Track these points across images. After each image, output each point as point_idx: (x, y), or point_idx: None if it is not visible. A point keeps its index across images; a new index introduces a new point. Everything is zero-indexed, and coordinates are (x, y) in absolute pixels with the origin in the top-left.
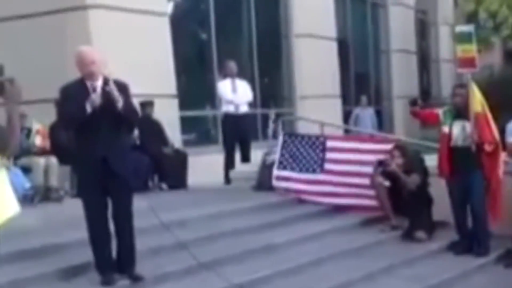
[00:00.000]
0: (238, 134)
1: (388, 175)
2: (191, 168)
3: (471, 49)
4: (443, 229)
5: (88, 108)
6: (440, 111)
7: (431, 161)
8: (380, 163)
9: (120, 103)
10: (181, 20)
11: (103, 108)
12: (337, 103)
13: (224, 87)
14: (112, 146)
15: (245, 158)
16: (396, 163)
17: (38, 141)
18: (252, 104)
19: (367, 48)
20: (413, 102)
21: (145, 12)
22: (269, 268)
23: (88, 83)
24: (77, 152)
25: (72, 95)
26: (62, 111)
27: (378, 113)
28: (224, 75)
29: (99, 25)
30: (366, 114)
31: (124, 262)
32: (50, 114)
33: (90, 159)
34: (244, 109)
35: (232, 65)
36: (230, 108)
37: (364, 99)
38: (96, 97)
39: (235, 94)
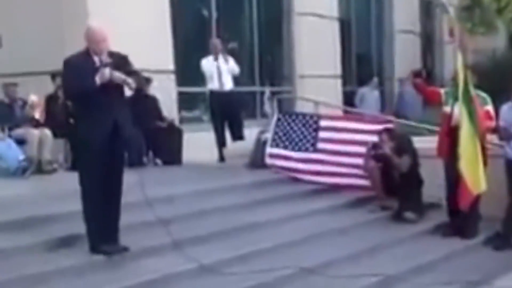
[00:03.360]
0: (225, 111)
1: (379, 157)
2: (187, 144)
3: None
4: (432, 210)
5: (98, 81)
6: (442, 91)
7: (423, 143)
8: (374, 146)
9: (132, 84)
10: None
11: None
12: (337, 83)
13: (205, 63)
14: (120, 114)
15: (236, 136)
16: (388, 146)
17: (37, 114)
18: (250, 82)
19: (369, 28)
20: (417, 73)
21: None
22: (254, 245)
23: (95, 57)
24: (82, 121)
25: (79, 68)
26: (69, 84)
27: (380, 94)
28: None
29: None
30: (372, 96)
31: (112, 233)
32: (46, 87)
33: (100, 127)
34: (229, 85)
35: (215, 42)
36: (215, 85)
37: (375, 80)
38: (106, 71)
39: (216, 69)
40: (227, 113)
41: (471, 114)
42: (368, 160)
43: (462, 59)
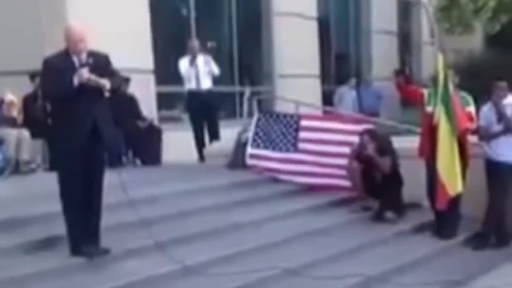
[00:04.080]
0: (203, 111)
1: (362, 158)
2: (167, 144)
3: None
4: (412, 210)
5: (76, 82)
6: (425, 92)
7: (402, 143)
8: (358, 146)
9: (107, 86)
10: None
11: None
12: (316, 83)
13: (183, 64)
14: (100, 115)
15: (213, 136)
16: (370, 147)
17: (14, 113)
18: (230, 82)
19: (348, 28)
20: (399, 72)
21: None
22: (237, 246)
23: (74, 57)
24: (61, 121)
25: (58, 68)
26: (48, 84)
27: (358, 94)
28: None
29: None
30: (350, 96)
31: (92, 234)
32: (24, 86)
33: (79, 128)
34: (206, 85)
35: (192, 43)
36: (192, 85)
37: (353, 80)
38: (84, 72)
39: (194, 70)
40: (204, 113)
41: (449, 115)
42: (351, 161)
43: (443, 59)
